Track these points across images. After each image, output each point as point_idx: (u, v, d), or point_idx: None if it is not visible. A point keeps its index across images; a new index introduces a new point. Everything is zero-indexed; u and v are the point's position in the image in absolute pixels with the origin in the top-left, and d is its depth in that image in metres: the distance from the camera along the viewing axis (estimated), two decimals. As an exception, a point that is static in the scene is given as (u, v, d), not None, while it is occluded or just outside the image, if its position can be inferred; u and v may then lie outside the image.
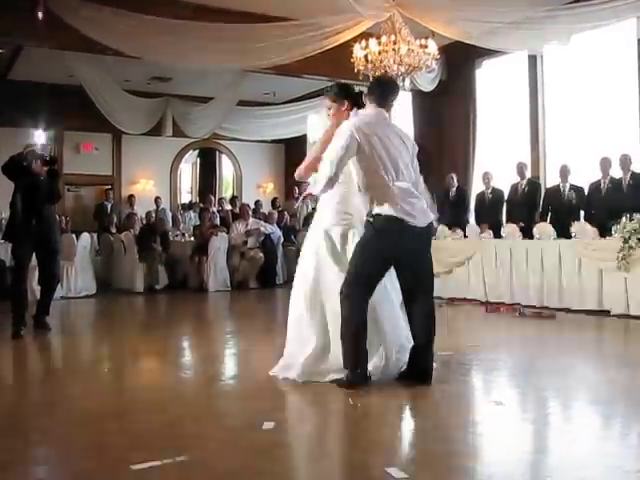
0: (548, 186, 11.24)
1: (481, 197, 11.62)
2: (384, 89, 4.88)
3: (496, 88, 13.09)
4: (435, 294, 4.93)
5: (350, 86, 5.21)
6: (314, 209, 5.34)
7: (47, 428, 3.85)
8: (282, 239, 13.67)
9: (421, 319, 4.68)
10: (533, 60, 12.09)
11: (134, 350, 6.75)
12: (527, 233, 9.78)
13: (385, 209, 4.52)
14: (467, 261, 10.06)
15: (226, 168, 18.89)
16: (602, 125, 11.00)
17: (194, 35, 9.97)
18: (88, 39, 9.59)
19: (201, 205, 15.91)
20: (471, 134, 13.10)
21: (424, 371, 4.66)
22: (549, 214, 10.45)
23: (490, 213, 11.25)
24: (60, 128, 15.29)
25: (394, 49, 9.71)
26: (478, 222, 11.36)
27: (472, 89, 13.15)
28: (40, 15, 9.20)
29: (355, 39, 10.19)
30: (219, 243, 12.42)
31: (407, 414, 4.36)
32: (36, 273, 7.97)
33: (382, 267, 4.64)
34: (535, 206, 10.70)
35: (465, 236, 10.75)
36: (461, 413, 4.17)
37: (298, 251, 5.26)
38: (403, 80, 10.08)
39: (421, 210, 4.60)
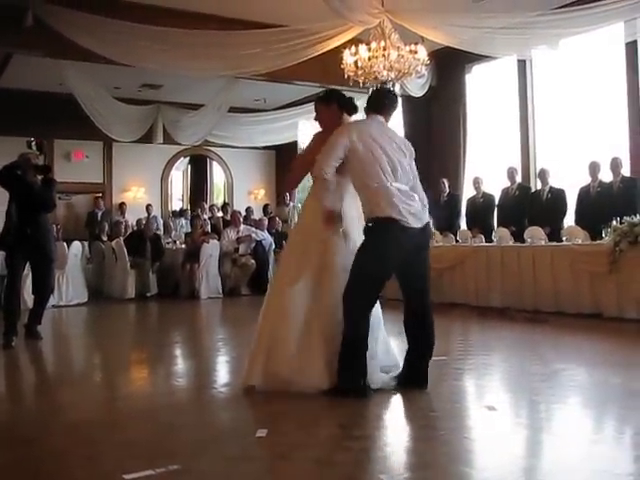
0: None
1: (472, 202, 11.66)
2: (383, 100, 4.88)
3: (486, 93, 13.15)
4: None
5: (341, 92, 5.22)
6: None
7: (38, 438, 3.83)
8: (273, 245, 13.65)
9: (420, 324, 4.68)
10: (522, 65, 12.16)
11: (126, 358, 6.73)
12: (518, 237, 9.81)
13: (381, 210, 4.48)
14: (459, 266, 10.09)
15: (217, 175, 18.87)
16: (592, 129, 11.07)
17: (185, 42, 9.96)
18: (78, 47, 9.59)
19: (192, 212, 15.88)
20: (461, 139, 13.13)
21: (420, 375, 4.66)
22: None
23: (481, 218, 11.29)
24: (51, 136, 15.24)
25: (384, 55, 9.72)
26: (469, 227, 11.40)
27: (462, 94, 13.19)
28: (29, 23, 9.20)
29: (345, 45, 10.20)
30: (211, 250, 12.41)
31: (401, 419, 4.36)
32: (28, 282, 7.95)
33: (384, 272, 4.58)
34: (526, 210, 10.74)
35: (457, 241, 10.76)
36: (455, 418, 4.17)
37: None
38: (393, 86, 10.08)
39: (418, 212, 4.58)
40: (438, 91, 13.00)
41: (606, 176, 9.78)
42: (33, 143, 7.26)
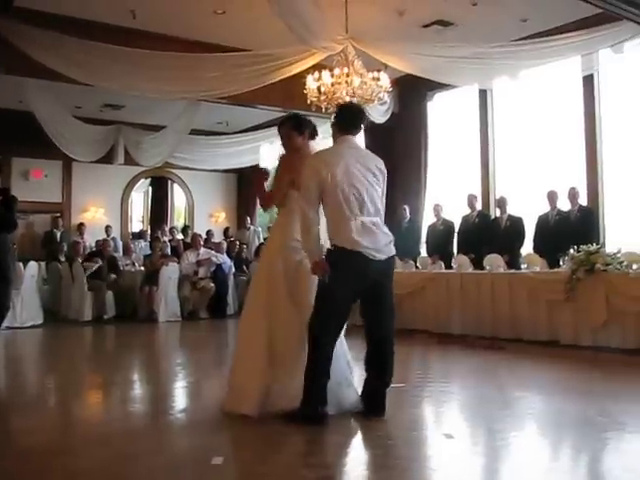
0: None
1: (432, 228, 11.74)
2: (349, 114, 4.87)
3: (447, 120, 13.31)
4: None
5: (305, 117, 5.22)
6: (266, 239, 5.33)
7: (-13, 465, 3.72)
8: (233, 269, 13.61)
9: (381, 352, 4.65)
10: (484, 94, 12.35)
11: (81, 383, 6.60)
12: (478, 264, 9.89)
13: (345, 241, 4.46)
14: (419, 292, 10.11)
15: (178, 197, 18.75)
16: (550, 158, 11.26)
17: (147, 64, 9.90)
18: (39, 65, 9.46)
19: (152, 234, 15.74)
20: (422, 166, 13.24)
21: (378, 404, 4.63)
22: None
23: (441, 244, 11.38)
24: (9, 154, 15.04)
25: (347, 81, 9.79)
26: (429, 253, 11.47)
27: (424, 121, 13.33)
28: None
29: (308, 70, 10.25)
30: (170, 273, 12.29)
31: (359, 447, 4.33)
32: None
33: (348, 298, 4.54)
34: (485, 238, 10.84)
35: (417, 267, 10.81)
36: (413, 446, 4.15)
37: (249, 281, 5.21)
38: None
39: (382, 244, 4.57)
40: (400, 118, 13.11)
41: (564, 205, 9.95)
42: None
